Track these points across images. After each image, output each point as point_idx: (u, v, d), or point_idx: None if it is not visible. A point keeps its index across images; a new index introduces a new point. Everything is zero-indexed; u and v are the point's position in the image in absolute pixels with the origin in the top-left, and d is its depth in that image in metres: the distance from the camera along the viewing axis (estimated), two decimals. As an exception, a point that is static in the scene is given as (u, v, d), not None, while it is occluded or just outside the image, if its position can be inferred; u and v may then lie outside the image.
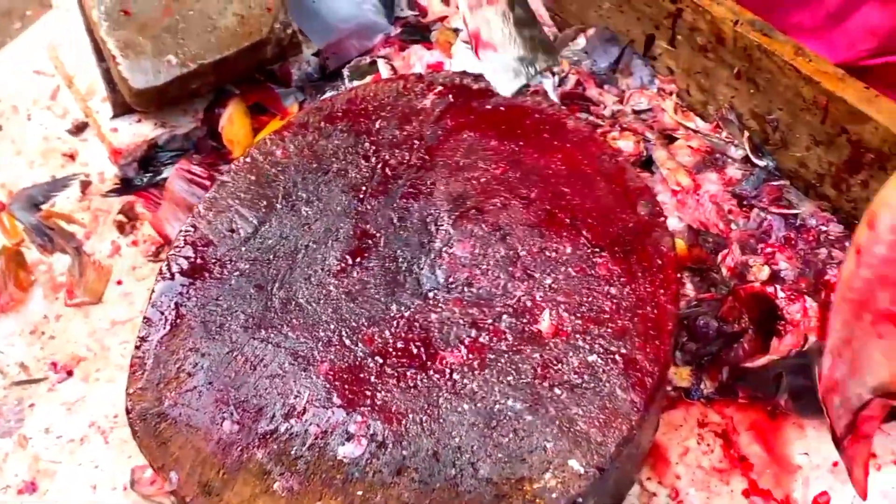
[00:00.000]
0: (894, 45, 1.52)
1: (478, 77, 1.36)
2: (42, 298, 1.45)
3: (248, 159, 1.29)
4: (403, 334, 1.13)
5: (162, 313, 1.16)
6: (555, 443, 1.05)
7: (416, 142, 1.29)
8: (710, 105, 1.56)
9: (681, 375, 1.33)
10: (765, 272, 1.41)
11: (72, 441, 1.32)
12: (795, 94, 1.39)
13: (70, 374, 1.38)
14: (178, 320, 1.16)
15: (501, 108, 1.32)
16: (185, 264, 1.20)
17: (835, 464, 1.27)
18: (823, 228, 1.46)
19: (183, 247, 1.21)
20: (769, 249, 1.44)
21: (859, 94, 1.34)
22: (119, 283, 1.46)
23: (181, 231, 1.23)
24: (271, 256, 1.20)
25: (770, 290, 1.28)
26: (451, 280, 1.17)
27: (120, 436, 1.31)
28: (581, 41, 1.68)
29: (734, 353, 1.30)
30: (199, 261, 1.20)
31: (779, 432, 1.30)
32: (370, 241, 1.20)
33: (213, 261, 1.20)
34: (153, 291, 1.18)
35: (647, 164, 1.52)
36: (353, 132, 1.31)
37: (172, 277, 1.19)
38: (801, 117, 1.41)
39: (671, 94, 1.61)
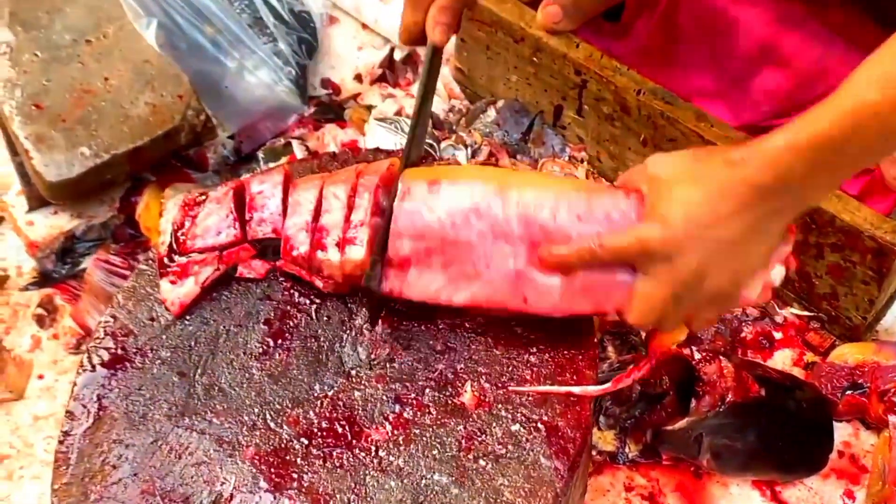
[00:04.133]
0: (795, 105, 1.56)
1: (391, 153, 1.38)
2: (-37, 396, 1.43)
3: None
4: (328, 414, 1.14)
5: (84, 406, 1.15)
6: (480, 508, 1.06)
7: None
8: (620, 171, 1.59)
9: (605, 439, 1.35)
10: (682, 333, 1.44)
11: (-3, 541, 1.30)
12: (701, 157, 1.43)
13: (-7, 472, 1.36)
14: (101, 412, 1.15)
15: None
16: (105, 355, 1.19)
17: (760, 518, 1.30)
18: (736, 287, 1.49)
19: (103, 338, 1.21)
20: (685, 310, 1.47)
21: (761, 155, 1.37)
22: (41, 377, 1.45)
23: (101, 322, 1.22)
24: (192, 343, 1.20)
25: (686, 351, 1.30)
26: (372, 356, 1.18)
27: (46, 532, 1.30)
28: (492, 113, 1.71)
29: (657, 415, 1.31)
30: (119, 351, 1.19)
31: (704, 492, 1.32)
32: (291, 322, 1.21)
33: (134, 350, 1.20)
34: (75, 384, 1.17)
35: (562, 231, 1.54)
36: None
37: (94, 369, 1.18)
38: (708, 180, 1.44)
39: (583, 161, 1.64)
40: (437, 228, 1.12)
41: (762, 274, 1.10)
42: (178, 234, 1.23)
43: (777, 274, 1.12)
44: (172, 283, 1.21)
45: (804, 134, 0.99)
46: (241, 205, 1.24)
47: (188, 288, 1.21)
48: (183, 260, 1.22)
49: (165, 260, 1.22)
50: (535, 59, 1.60)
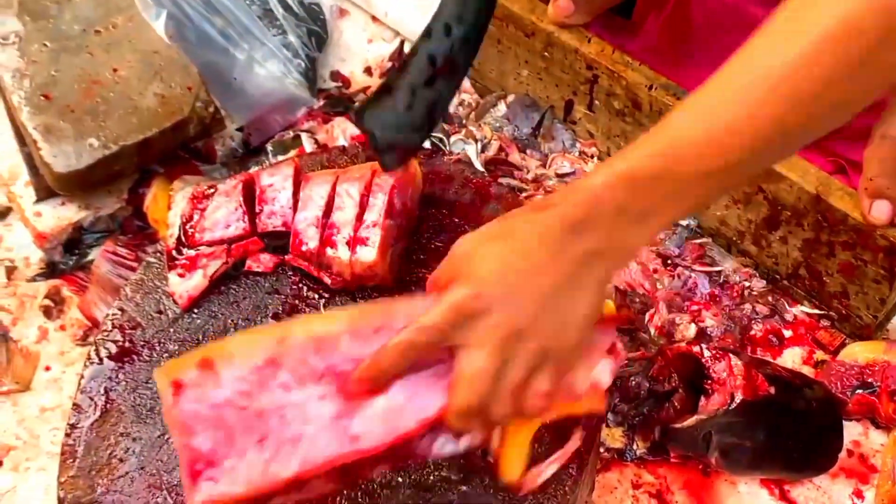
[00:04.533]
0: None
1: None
2: (-31, 387, 1.43)
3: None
4: (335, 409, 1.13)
5: (91, 399, 1.15)
6: (488, 513, 1.05)
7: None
8: (630, 167, 1.59)
9: (613, 437, 1.34)
10: (692, 330, 1.43)
11: (3, 532, 1.30)
12: (712, 154, 1.42)
13: (-1, 463, 1.36)
14: (108, 405, 1.15)
15: (426, 176, 1.33)
16: (113, 348, 1.19)
17: (768, 518, 1.29)
18: (747, 284, 1.49)
19: (111, 330, 1.20)
20: (695, 307, 1.46)
21: (773, 152, 1.37)
22: (47, 368, 1.44)
23: (108, 314, 1.22)
24: (201, 336, 1.20)
25: (696, 349, 1.29)
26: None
27: (52, 525, 1.30)
28: (502, 108, 1.70)
29: (665, 413, 1.31)
30: (127, 344, 1.19)
31: (712, 490, 1.31)
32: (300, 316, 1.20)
33: (142, 343, 1.19)
34: (82, 377, 1.17)
35: (572, 227, 1.54)
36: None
37: (101, 362, 1.18)
38: (719, 177, 1.44)
39: (593, 157, 1.64)
40: (231, 406, 0.95)
41: (586, 364, 0.99)
42: (187, 227, 1.23)
43: (604, 371, 1.02)
44: (181, 275, 1.21)
45: (618, 168, 0.90)
46: (251, 198, 1.23)
47: (196, 281, 1.20)
48: (191, 252, 1.22)
49: (174, 252, 1.22)
50: (546, 53, 1.59)
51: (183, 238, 1.23)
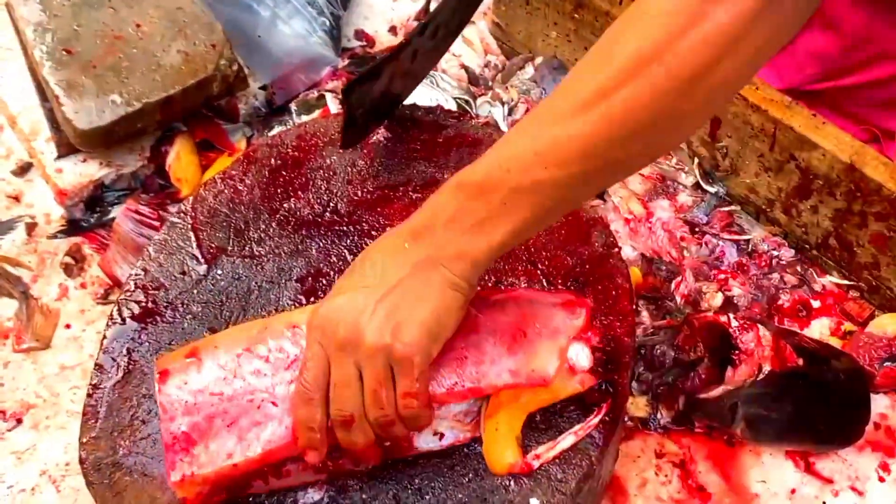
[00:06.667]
0: (841, 69, 1.53)
1: (429, 110, 1.35)
2: (-11, 345, 1.42)
3: (196, 199, 1.27)
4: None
5: (114, 359, 1.14)
6: (515, 481, 1.04)
7: (368, 177, 1.28)
8: (658, 132, 1.57)
9: (637, 405, 1.33)
10: (718, 299, 1.42)
11: (23, 491, 1.29)
12: (744, 121, 1.40)
13: (20, 421, 1.35)
14: (131, 366, 1.14)
15: (453, 140, 1.31)
16: (136, 309, 1.18)
17: (792, 491, 1.28)
18: (775, 253, 1.47)
19: (133, 291, 1.19)
20: (722, 275, 1.45)
21: (806, 121, 1.35)
22: (67, 326, 1.43)
23: (131, 275, 1.21)
24: (224, 298, 1.19)
25: (723, 319, 1.28)
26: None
27: (72, 484, 1.29)
28: (529, 70, 1.68)
29: (690, 382, 1.30)
30: (150, 305, 1.18)
31: (736, 461, 1.30)
32: (324, 280, 1.19)
33: (165, 304, 1.18)
34: (105, 337, 1.16)
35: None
36: (303, 168, 1.30)
37: (124, 322, 1.17)
38: (751, 144, 1.42)
39: (620, 121, 1.61)
40: (208, 391, 1.03)
41: (548, 349, 1.05)
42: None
43: (578, 352, 1.05)
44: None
45: (453, 180, 0.97)
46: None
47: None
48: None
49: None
50: (575, 15, 1.57)
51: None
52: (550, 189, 0.93)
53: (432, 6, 1.80)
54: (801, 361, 1.27)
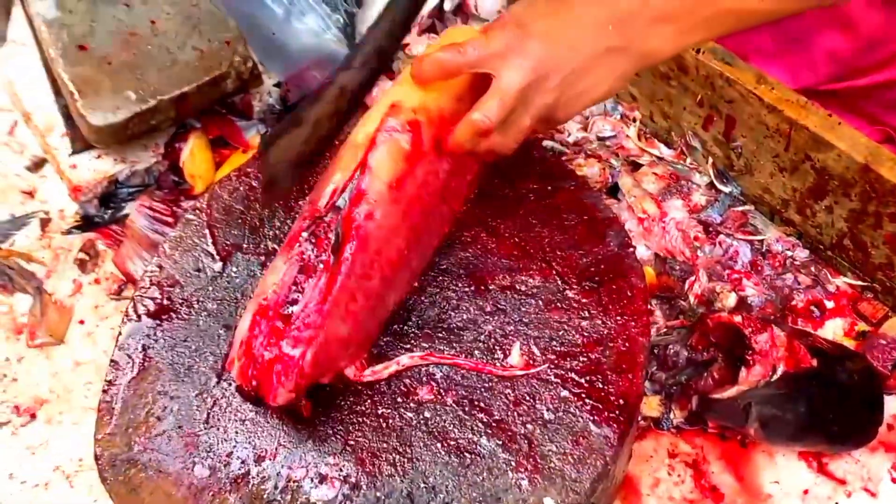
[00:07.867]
0: (856, 69, 1.53)
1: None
2: (3, 340, 1.42)
3: (212, 196, 1.27)
4: (374, 372, 1.12)
5: (129, 356, 1.15)
6: (529, 481, 1.04)
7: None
8: (673, 131, 1.57)
9: (650, 405, 1.33)
10: (732, 299, 1.42)
11: (36, 486, 1.30)
12: (759, 121, 1.40)
13: (33, 416, 1.35)
14: (146, 363, 1.14)
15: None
16: (151, 305, 1.18)
17: (805, 491, 1.28)
18: (789, 254, 1.47)
19: (149, 287, 1.19)
20: (736, 276, 1.44)
21: (822, 121, 1.34)
22: (81, 322, 1.44)
23: (147, 271, 1.21)
24: (239, 295, 1.19)
25: (737, 319, 1.27)
26: (421, 317, 1.16)
27: (85, 479, 1.29)
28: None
29: (704, 382, 1.29)
30: (165, 301, 1.18)
31: (749, 461, 1.30)
32: (338, 278, 1.19)
33: (180, 301, 1.19)
34: (120, 334, 1.16)
35: (613, 190, 1.52)
36: (318, 165, 1.30)
37: (139, 319, 1.17)
38: (765, 144, 1.42)
39: (634, 120, 1.62)
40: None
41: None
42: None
43: None
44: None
45: None
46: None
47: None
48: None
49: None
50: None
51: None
52: (755, 17, 1.06)
53: (447, 5, 1.80)
54: (815, 362, 1.26)
